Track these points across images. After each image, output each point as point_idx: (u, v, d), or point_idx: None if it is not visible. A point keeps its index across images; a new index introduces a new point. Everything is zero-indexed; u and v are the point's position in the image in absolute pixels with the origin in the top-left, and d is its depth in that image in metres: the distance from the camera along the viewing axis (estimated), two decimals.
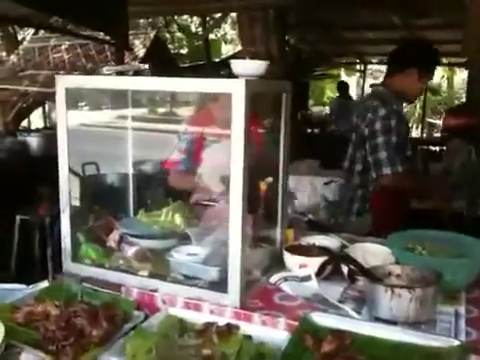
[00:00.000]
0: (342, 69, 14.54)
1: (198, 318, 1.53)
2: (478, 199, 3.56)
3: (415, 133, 12.18)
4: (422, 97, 12.48)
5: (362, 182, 2.74)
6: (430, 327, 1.47)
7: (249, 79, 1.49)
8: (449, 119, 4.26)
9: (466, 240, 1.89)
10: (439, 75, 14.46)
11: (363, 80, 12.54)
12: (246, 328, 1.48)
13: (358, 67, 12.98)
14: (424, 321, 1.47)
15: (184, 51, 14.84)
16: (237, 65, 1.58)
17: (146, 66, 1.60)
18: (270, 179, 1.93)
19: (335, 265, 1.77)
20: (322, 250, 1.82)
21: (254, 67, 1.58)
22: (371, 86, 3.13)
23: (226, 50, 15.21)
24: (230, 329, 1.46)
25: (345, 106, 8.81)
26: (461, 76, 14.29)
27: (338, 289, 1.73)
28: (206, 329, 1.48)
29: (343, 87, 10.07)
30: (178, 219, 1.94)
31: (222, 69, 2.11)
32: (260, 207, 1.93)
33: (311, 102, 13.07)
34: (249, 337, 1.43)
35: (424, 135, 10.87)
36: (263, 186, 1.92)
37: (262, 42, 4.82)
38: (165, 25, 13.73)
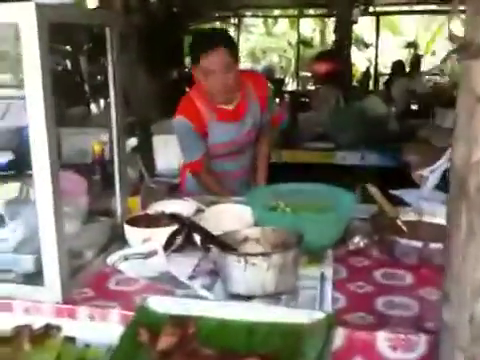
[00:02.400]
0: (218, 23, 14.15)
1: (9, 321, 1.20)
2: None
3: (291, 86, 12.22)
4: (295, 51, 12.54)
5: None
6: (292, 297, 1.26)
7: (44, 4, 1.11)
8: (315, 65, 4.14)
9: (333, 191, 1.69)
10: (311, 27, 14.56)
11: (238, 34, 12.30)
12: (70, 327, 1.18)
13: (233, 21, 12.68)
14: (285, 291, 1.26)
15: None
16: None
17: None
18: (105, 138, 1.60)
19: (187, 234, 1.50)
20: (172, 218, 1.53)
21: None
22: None
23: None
24: (48, 332, 1.16)
25: None
26: (332, 27, 14.48)
27: (192, 262, 1.47)
28: (17, 334, 1.16)
29: None
30: None
31: None
32: (96, 172, 1.60)
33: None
34: (72, 339, 1.14)
35: (299, 88, 10.94)
36: (97, 147, 1.58)
37: None
38: None
